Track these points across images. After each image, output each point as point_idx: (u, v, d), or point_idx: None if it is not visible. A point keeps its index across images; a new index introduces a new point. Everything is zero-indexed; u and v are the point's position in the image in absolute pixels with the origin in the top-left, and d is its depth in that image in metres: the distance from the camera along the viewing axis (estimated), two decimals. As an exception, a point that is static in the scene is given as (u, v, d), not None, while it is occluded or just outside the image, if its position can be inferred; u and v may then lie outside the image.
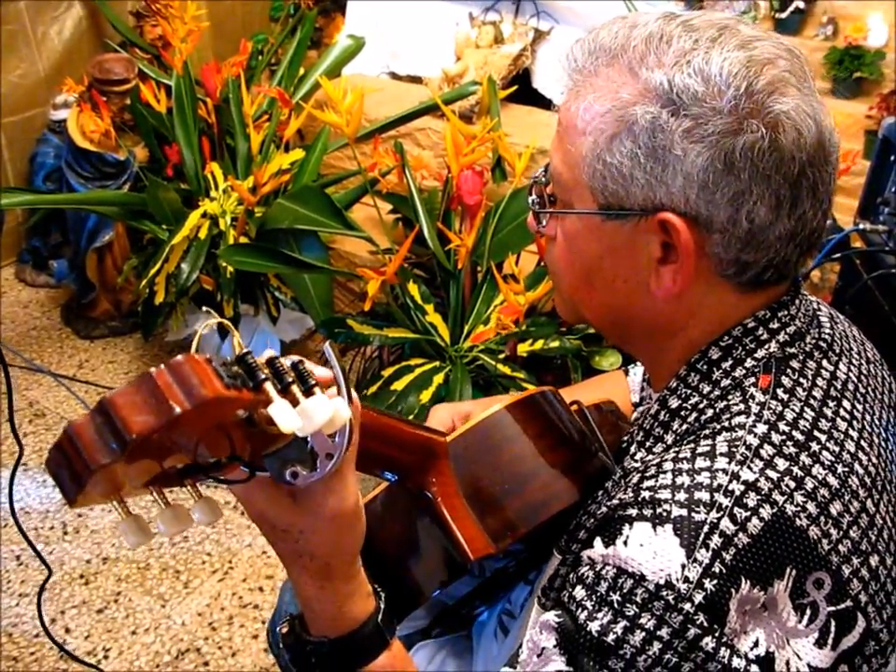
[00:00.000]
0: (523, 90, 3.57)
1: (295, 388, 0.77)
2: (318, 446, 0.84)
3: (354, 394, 0.91)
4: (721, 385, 1.00)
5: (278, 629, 1.03)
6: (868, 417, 1.03)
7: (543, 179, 1.07)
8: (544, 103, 3.78)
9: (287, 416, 0.73)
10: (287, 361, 0.79)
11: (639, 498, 0.91)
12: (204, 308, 3.19)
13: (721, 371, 1.00)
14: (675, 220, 0.94)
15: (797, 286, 1.05)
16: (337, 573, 0.95)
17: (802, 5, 3.45)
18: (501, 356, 2.53)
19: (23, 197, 3.14)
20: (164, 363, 0.67)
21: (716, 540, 0.86)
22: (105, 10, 3.90)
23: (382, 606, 1.00)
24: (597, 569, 0.90)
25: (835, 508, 0.92)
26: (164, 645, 2.43)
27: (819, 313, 1.09)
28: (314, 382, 0.79)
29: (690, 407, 1.01)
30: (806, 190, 0.95)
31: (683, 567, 0.86)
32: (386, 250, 2.76)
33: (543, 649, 0.93)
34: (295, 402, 0.76)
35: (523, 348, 2.51)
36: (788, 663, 0.88)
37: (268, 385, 0.74)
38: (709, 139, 0.91)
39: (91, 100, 3.38)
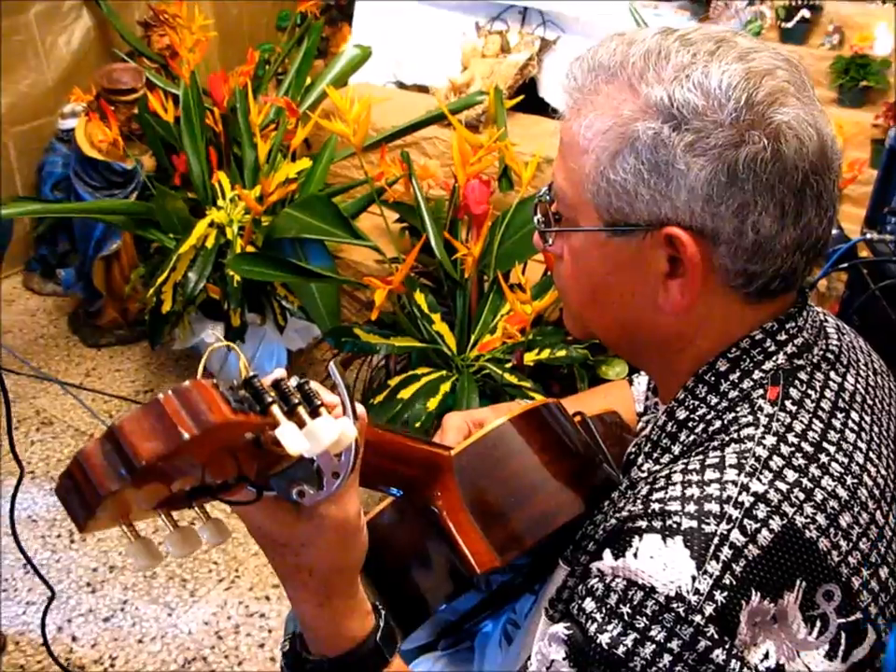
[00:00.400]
0: (529, 99, 3.58)
1: (301, 410, 0.78)
2: (324, 465, 0.84)
3: (361, 408, 0.91)
4: (729, 396, 1.00)
5: (280, 648, 1.03)
6: (876, 429, 1.03)
7: (547, 197, 1.08)
8: (551, 112, 3.78)
9: (293, 439, 0.74)
10: (292, 382, 0.80)
11: (649, 510, 0.91)
12: (209, 330, 3.21)
13: (728, 382, 1.00)
14: (681, 234, 0.94)
15: (804, 297, 1.06)
16: (337, 590, 0.95)
17: (808, 14, 3.45)
18: (508, 365, 2.53)
19: (31, 206, 3.16)
20: (172, 389, 0.68)
21: (726, 552, 0.87)
22: (113, 20, 3.92)
23: (381, 623, 1.00)
24: (607, 581, 0.90)
25: (845, 519, 0.93)
26: (171, 654, 2.44)
27: (825, 324, 1.09)
28: (319, 402, 0.80)
29: (697, 418, 1.01)
30: (810, 199, 0.95)
31: (694, 578, 0.86)
32: (393, 259, 2.77)
33: (553, 661, 0.93)
34: (301, 424, 0.76)
35: (529, 357, 2.51)
36: None
37: (275, 409, 0.75)
38: (712, 152, 0.92)
39: (99, 109, 3.40)
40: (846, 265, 2.23)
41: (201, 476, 0.74)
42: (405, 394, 2.45)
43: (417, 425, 2.35)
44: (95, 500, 0.67)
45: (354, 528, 0.93)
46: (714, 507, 0.89)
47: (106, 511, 0.69)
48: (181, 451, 0.67)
